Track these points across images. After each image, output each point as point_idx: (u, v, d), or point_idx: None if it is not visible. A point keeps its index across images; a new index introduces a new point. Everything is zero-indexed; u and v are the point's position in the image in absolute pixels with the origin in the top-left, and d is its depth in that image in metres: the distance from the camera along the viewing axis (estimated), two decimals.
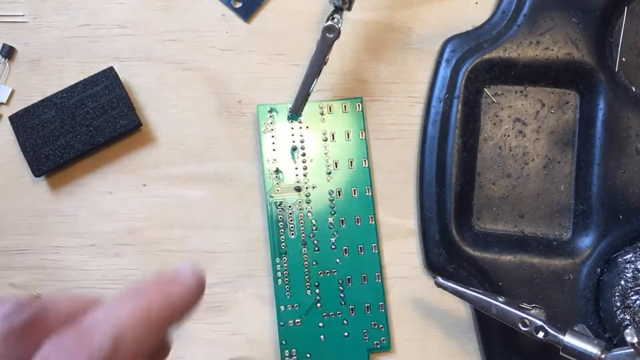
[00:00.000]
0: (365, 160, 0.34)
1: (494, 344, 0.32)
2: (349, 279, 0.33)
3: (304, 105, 0.33)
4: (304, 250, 0.34)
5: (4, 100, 0.35)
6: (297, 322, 0.33)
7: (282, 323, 0.33)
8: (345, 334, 0.33)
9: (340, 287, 0.33)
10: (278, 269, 0.33)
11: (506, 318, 0.29)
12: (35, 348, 0.21)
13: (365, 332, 0.33)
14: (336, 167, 0.34)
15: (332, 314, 0.33)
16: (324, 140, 0.34)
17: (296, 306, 0.33)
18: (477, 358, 0.34)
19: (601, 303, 0.31)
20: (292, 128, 0.34)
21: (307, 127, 0.34)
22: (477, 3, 0.35)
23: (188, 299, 0.24)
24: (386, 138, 0.35)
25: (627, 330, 0.27)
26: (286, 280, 0.33)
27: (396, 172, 0.35)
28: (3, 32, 0.36)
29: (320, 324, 0.33)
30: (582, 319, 0.32)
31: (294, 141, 0.34)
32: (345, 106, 0.35)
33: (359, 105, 0.35)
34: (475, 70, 0.33)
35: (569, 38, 0.33)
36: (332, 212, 0.34)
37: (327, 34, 0.31)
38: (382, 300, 0.33)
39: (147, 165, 0.35)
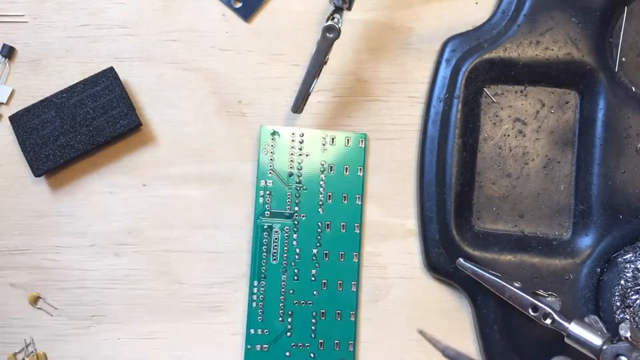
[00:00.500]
0: (358, 197, 0.34)
1: (494, 344, 0.32)
2: (323, 312, 0.33)
3: (304, 104, 0.33)
4: (283, 277, 0.33)
5: (4, 100, 0.35)
6: (265, 348, 0.33)
7: (249, 346, 0.33)
8: None
9: (313, 320, 0.33)
10: (255, 291, 0.33)
11: (517, 302, 0.30)
12: None
13: None
14: (329, 199, 0.34)
15: (300, 345, 0.33)
16: (321, 170, 0.34)
17: (266, 332, 0.33)
18: (477, 358, 0.34)
19: (601, 303, 0.31)
20: (292, 154, 0.34)
21: (307, 155, 0.34)
22: (477, 3, 0.36)
23: None
24: (386, 138, 0.35)
25: (622, 325, 0.27)
26: (260, 305, 0.33)
27: (396, 172, 0.35)
28: (3, 32, 0.36)
29: (287, 353, 0.33)
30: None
31: (291, 167, 0.34)
32: (348, 140, 0.34)
33: (362, 141, 0.34)
34: (475, 70, 0.33)
35: (569, 38, 0.33)
36: (318, 244, 0.34)
37: (327, 34, 0.31)
38: (352, 340, 0.33)
39: (147, 165, 0.35)
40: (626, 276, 0.31)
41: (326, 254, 0.34)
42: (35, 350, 0.34)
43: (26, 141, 0.34)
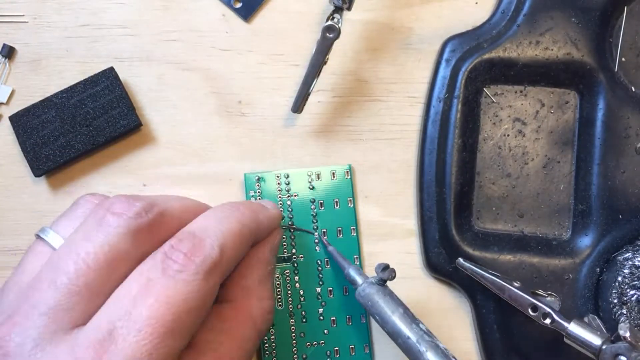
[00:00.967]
0: (353, 229, 0.34)
1: (493, 343, 0.32)
2: (336, 350, 0.33)
3: (304, 104, 0.33)
4: (292, 322, 0.33)
5: (4, 100, 0.35)
6: None
7: None
8: None
9: (328, 359, 0.33)
10: (265, 341, 0.33)
11: (517, 302, 0.30)
12: (155, 245, 0.25)
13: None
14: (324, 235, 0.34)
15: None
16: (312, 208, 0.34)
17: None
18: (477, 358, 0.34)
19: (600, 302, 0.31)
20: (280, 197, 0.34)
21: (296, 195, 0.34)
22: (477, 3, 0.36)
23: (270, 222, 0.30)
24: (386, 138, 0.35)
25: (621, 324, 0.27)
26: (274, 353, 0.33)
27: (396, 172, 0.35)
28: (3, 32, 0.36)
29: None
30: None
31: (282, 210, 0.34)
32: (333, 173, 0.34)
33: (347, 172, 0.34)
34: (475, 70, 0.33)
35: (568, 38, 0.33)
36: (320, 282, 0.33)
37: (327, 34, 0.31)
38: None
39: (147, 165, 0.35)
40: (624, 273, 0.31)
41: (330, 290, 0.34)
42: None
43: (26, 141, 0.34)
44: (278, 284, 0.33)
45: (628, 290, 0.30)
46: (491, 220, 0.34)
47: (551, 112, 0.34)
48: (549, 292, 0.31)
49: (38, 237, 0.27)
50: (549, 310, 0.29)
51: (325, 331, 0.33)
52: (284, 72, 0.35)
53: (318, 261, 0.34)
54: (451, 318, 0.34)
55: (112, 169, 0.35)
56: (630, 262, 0.31)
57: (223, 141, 0.35)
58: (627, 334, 0.27)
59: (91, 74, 0.34)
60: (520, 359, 0.32)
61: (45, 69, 0.35)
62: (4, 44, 0.35)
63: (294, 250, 0.34)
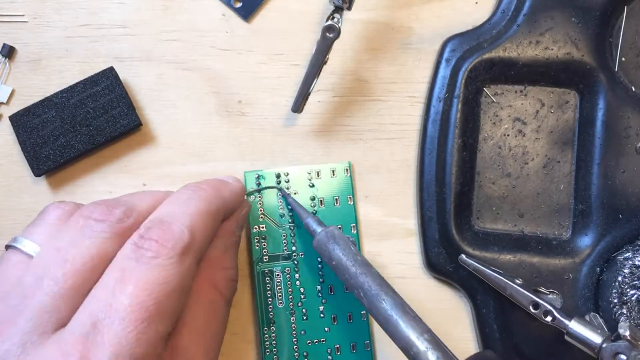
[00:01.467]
0: (353, 227, 0.34)
1: (494, 343, 0.32)
2: (337, 347, 0.33)
3: (304, 104, 0.33)
4: (292, 320, 0.33)
5: (4, 100, 0.35)
6: None
7: None
8: None
9: (329, 357, 0.33)
10: (266, 338, 0.33)
11: (518, 299, 0.30)
12: None
13: None
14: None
15: None
16: (312, 206, 0.34)
17: None
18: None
19: (600, 302, 0.31)
20: (281, 196, 0.34)
21: (296, 193, 0.34)
22: (477, 3, 0.36)
23: (234, 196, 0.30)
24: (386, 138, 0.35)
25: (621, 323, 0.28)
26: (274, 351, 0.33)
27: (396, 172, 0.35)
28: (3, 32, 0.36)
29: None
30: None
31: (282, 208, 0.34)
32: (333, 171, 0.34)
33: (346, 170, 0.34)
34: (475, 70, 0.33)
35: (568, 38, 0.33)
36: (321, 280, 0.33)
37: (327, 34, 0.31)
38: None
39: (147, 165, 0.35)
40: (624, 272, 0.31)
41: (331, 288, 0.34)
42: None
43: (26, 141, 0.34)
44: (279, 282, 0.33)
45: (628, 290, 0.30)
46: (491, 220, 0.34)
47: (551, 112, 0.34)
48: (551, 290, 0.31)
49: (10, 247, 0.27)
50: (550, 307, 0.29)
51: (326, 329, 0.33)
52: (284, 72, 0.35)
53: (319, 259, 0.34)
54: (451, 318, 0.34)
55: (112, 169, 0.35)
56: (630, 262, 0.31)
57: (223, 141, 0.35)
58: (627, 333, 0.27)
59: (91, 73, 0.34)
60: (520, 359, 0.32)
61: (45, 68, 0.35)
62: (4, 44, 0.35)
63: (294, 248, 0.34)
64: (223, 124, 0.35)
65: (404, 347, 0.26)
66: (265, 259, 0.33)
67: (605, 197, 0.32)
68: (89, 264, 0.25)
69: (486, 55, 0.33)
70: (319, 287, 0.33)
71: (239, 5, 0.36)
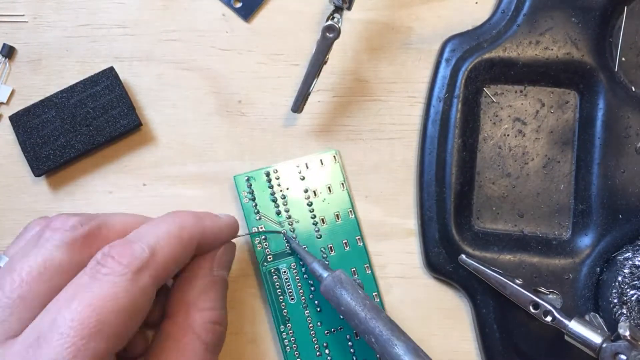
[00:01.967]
0: (350, 212, 0.34)
1: (493, 343, 0.32)
2: (356, 333, 0.33)
3: (304, 104, 0.33)
4: (307, 313, 0.33)
5: (4, 100, 0.35)
6: None
7: None
8: None
9: (349, 343, 0.33)
10: (284, 336, 0.33)
11: (518, 299, 0.30)
12: (92, 255, 0.26)
13: None
14: (323, 223, 0.34)
15: None
16: (306, 198, 0.34)
17: None
18: (477, 358, 0.34)
19: (600, 302, 0.31)
20: (273, 193, 0.34)
21: (288, 189, 0.34)
22: (477, 3, 0.36)
23: (218, 229, 0.29)
24: (386, 138, 0.35)
25: (621, 323, 0.28)
26: (294, 347, 0.33)
27: (396, 172, 0.35)
28: (3, 32, 0.36)
29: None
30: None
31: (277, 205, 0.34)
32: (321, 161, 0.34)
33: (335, 157, 0.34)
34: (475, 70, 0.33)
35: (568, 38, 0.33)
36: None
37: (327, 34, 0.31)
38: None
39: (147, 165, 0.35)
40: (624, 272, 0.31)
41: None
42: None
43: (26, 141, 0.34)
44: (287, 279, 0.33)
45: (628, 290, 0.30)
46: (491, 220, 0.34)
47: (551, 112, 0.34)
48: (551, 290, 0.31)
49: None
50: (550, 307, 0.29)
51: (342, 316, 0.33)
52: (284, 72, 0.35)
53: (322, 248, 0.34)
54: (451, 318, 0.34)
55: (112, 169, 0.35)
56: (630, 262, 0.31)
57: (223, 141, 0.35)
58: (627, 333, 0.27)
59: (91, 73, 0.34)
60: (520, 359, 0.32)
61: (45, 68, 0.35)
62: (4, 44, 0.35)
63: (297, 242, 0.34)
64: (223, 124, 0.35)
65: None
66: (270, 258, 0.33)
67: (605, 197, 0.32)
68: (35, 273, 0.24)
69: (486, 55, 0.33)
70: None
71: (239, 5, 0.36)
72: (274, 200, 0.34)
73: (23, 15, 0.36)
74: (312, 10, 0.36)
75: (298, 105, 0.33)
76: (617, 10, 0.34)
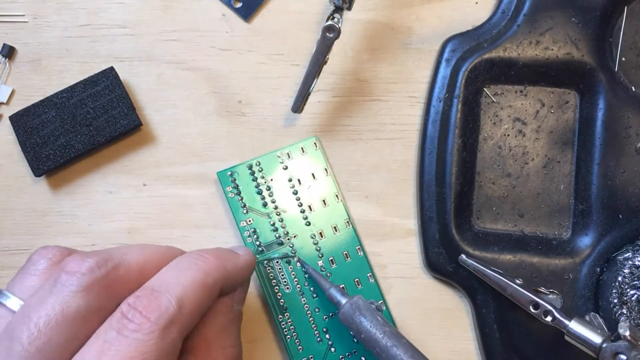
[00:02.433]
0: (337, 196, 0.34)
1: (493, 343, 0.32)
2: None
3: (304, 104, 0.33)
4: (303, 300, 0.33)
5: (4, 100, 0.35)
6: None
7: None
8: None
9: None
10: (284, 326, 0.33)
11: (518, 299, 0.30)
12: (112, 299, 0.25)
13: None
14: (311, 210, 0.34)
15: (348, 354, 0.33)
16: (291, 187, 0.34)
17: (311, 358, 0.33)
18: (477, 358, 0.34)
19: (600, 302, 0.31)
20: (258, 185, 0.34)
21: (272, 180, 0.34)
22: (477, 3, 0.36)
23: (240, 270, 0.29)
24: (386, 138, 0.35)
25: (621, 323, 0.27)
26: (294, 335, 0.33)
27: (396, 172, 0.35)
28: (3, 32, 0.36)
29: None
30: None
31: (263, 197, 0.34)
32: (302, 148, 0.34)
33: (315, 144, 0.34)
34: (475, 70, 0.33)
35: (568, 38, 0.33)
36: (320, 255, 0.34)
37: (327, 34, 0.31)
38: (391, 323, 0.33)
39: (147, 165, 0.35)
40: (624, 272, 0.31)
41: (332, 260, 0.34)
42: None
43: (26, 141, 0.34)
44: (280, 268, 0.33)
45: (628, 290, 0.30)
46: (491, 220, 0.34)
47: (551, 112, 0.34)
48: (551, 290, 0.31)
49: None
50: (550, 307, 0.29)
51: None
52: (284, 72, 0.35)
53: (312, 236, 0.34)
54: (451, 318, 0.34)
55: (112, 169, 0.35)
56: (630, 262, 0.31)
57: (223, 141, 0.35)
58: (627, 333, 0.27)
59: (91, 73, 0.34)
60: (520, 359, 0.32)
61: (45, 68, 0.35)
62: (4, 44, 0.35)
63: (285, 232, 0.34)
64: (223, 124, 0.35)
65: None
66: (261, 250, 0.34)
67: (605, 197, 0.32)
68: (53, 323, 0.23)
69: (486, 55, 0.33)
70: (320, 263, 0.34)
71: (239, 5, 0.36)
72: (259, 192, 0.34)
73: (23, 15, 0.36)
74: (312, 10, 0.36)
75: (298, 105, 0.33)
76: (617, 10, 0.34)
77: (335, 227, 0.34)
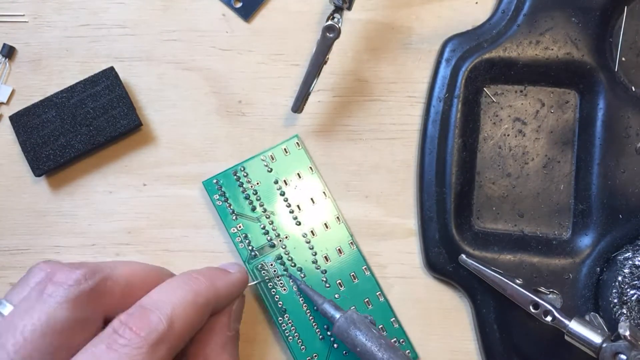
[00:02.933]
0: (324, 193, 0.34)
1: (493, 343, 0.32)
2: (353, 308, 0.33)
3: (304, 104, 0.33)
4: (301, 300, 0.33)
5: (5, 100, 0.35)
6: None
7: None
8: None
9: None
10: (284, 327, 0.33)
11: (518, 299, 0.30)
12: (98, 311, 0.25)
13: None
14: (299, 209, 0.34)
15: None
16: (278, 189, 0.34)
17: (315, 356, 0.33)
18: (477, 358, 0.34)
19: (600, 302, 0.31)
20: (245, 190, 0.34)
21: (258, 184, 0.34)
22: (477, 3, 0.36)
23: (231, 287, 0.29)
24: (386, 138, 0.35)
25: (621, 323, 0.27)
26: (296, 335, 0.33)
27: (396, 172, 0.35)
28: (3, 32, 0.36)
29: None
30: None
31: (251, 202, 0.34)
32: (285, 149, 0.34)
33: (297, 144, 0.34)
34: (475, 70, 0.33)
35: (568, 38, 0.33)
36: (314, 253, 0.34)
37: (328, 34, 0.31)
38: (392, 316, 0.33)
39: (147, 165, 0.35)
40: (624, 272, 0.31)
41: (326, 257, 0.34)
42: None
43: (26, 141, 0.34)
44: (275, 271, 0.33)
45: (628, 290, 0.30)
46: (491, 220, 0.34)
47: (551, 112, 0.34)
48: (551, 290, 0.31)
49: None
50: (550, 307, 0.29)
51: (336, 295, 0.33)
52: (284, 72, 0.35)
53: (304, 235, 0.34)
54: (451, 318, 0.34)
55: (112, 169, 0.35)
56: (630, 262, 0.31)
57: (223, 141, 0.35)
58: (627, 333, 0.27)
59: (91, 73, 0.34)
60: (520, 359, 0.32)
61: (45, 68, 0.35)
62: (4, 44, 0.35)
63: (276, 234, 0.34)
64: (223, 124, 0.35)
65: None
66: (254, 254, 0.34)
67: (605, 197, 0.32)
68: (38, 332, 0.24)
69: (486, 55, 0.33)
70: (313, 260, 0.34)
71: (239, 5, 0.36)
72: (247, 197, 0.34)
73: (23, 15, 0.36)
74: (312, 10, 0.36)
75: (298, 105, 0.33)
76: (617, 10, 0.34)
77: (326, 224, 0.34)
